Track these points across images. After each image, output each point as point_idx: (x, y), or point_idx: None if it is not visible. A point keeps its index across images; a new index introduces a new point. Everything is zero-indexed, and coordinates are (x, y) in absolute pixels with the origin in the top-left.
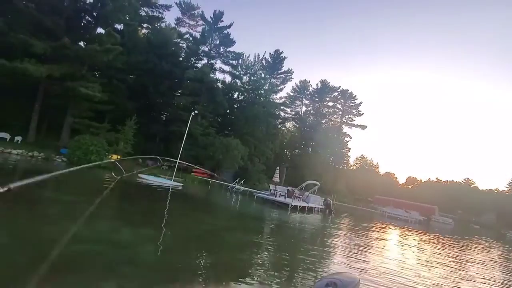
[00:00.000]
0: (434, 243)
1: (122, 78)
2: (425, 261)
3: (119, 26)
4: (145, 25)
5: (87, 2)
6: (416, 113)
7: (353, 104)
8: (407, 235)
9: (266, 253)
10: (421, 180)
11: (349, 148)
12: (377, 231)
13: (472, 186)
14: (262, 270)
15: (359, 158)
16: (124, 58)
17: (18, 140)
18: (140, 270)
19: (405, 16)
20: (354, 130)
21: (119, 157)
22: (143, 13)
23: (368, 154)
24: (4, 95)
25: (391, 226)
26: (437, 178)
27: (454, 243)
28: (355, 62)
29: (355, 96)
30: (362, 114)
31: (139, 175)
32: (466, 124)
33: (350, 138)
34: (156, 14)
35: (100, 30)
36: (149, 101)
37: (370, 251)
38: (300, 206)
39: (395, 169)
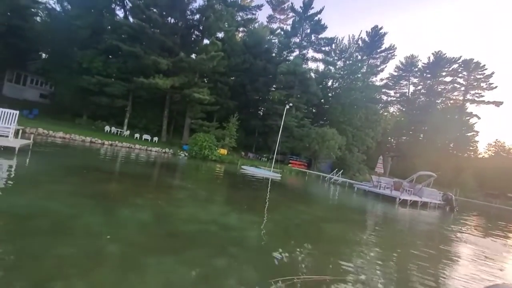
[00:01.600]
0: None
1: (225, 80)
2: None
3: (220, 34)
4: (241, 28)
5: (195, 18)
6: None
7: (480, 76)
8: None
9: (373, 249)
10: None
11: (477, 132)
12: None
13: None
14: (367, 267)
15: (493, 144)
16: (225, 62)
17: (155, 140)
18: (246, 251)
19: None
20: (484, 108)
21: (226, 150)
22: (239, 18)
23: (506, 138)
24: (145, 106)
25: None
26: None
27: None
28: (483, 19)
29: (484, 65)
30: (495, 87)
31: (242, 166)
32: None
33: (478, 118)
34: (249, 16)
35: (205, 41)
36: (247, 98)
37: None
38: (410, 200)
39: None
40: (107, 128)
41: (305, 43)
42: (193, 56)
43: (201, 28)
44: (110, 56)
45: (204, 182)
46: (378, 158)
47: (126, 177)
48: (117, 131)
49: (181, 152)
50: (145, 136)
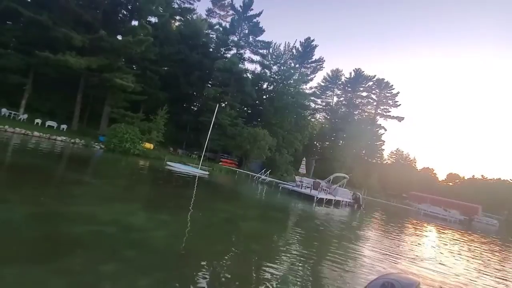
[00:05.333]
0: (478, 243)
1: (155, 69)
2: (466, 261)
3: (153, 19)
4: (177, 17)
5: None
6: (460, 103)
7: (389, 94)
8: (446, 234)
9: (284, 246)
10: (463, 177)
11: (383, 141)
12: (411, 229)
13: None
14: (279, 264)
15: (394, 152)
16: (157, 50)
17: (63, 128)
18: (144, 254)
19: None
20: (390, 122)
21: (152, 145)
22: (176, 6)
23: (404, 148)
24: (51, 86)
25: (426, 224)
26: (482, 176)
27: (497, 244)
28: (393, 48)
29: (392, 85)
30: (399, 105)
31: (168, 162)
32: None
33: (385, 130)
34: (187, 5)
35: (135, 23)
36: (180, 91)
37: (405, 250)
38: (326, 199)
39: (435, 164)
40: None
41: (242, 43)
42: (119, 37)
43: (129, 7)
44: (7, 22)
45: (116, 177)
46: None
47: (4, 169)
48: (11, 113)
49: (96, 143)
50: (50, 123)
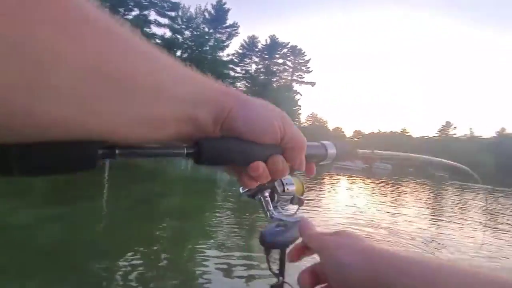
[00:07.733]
0: (375, 185)
1: None
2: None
3: None
4: None
5: None
6: (363, 66)
7: (302, 61)
8: (347, 180)
9: (208, 220)
10: (365, 132)
11: (300, 106)
12: (321, 180)
13: (406, 134)
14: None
15: (310, 116)
16: None
17: None
18: (26, 256)
19: None
20: (304, 87)
21: None
22: None
23: (318, 111)
24: None
25: (334, 175)
26: (379, 130)
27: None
28: (306, 14)
29: (304, 52)
30: (311, 71)
31: None
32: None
33: (301, 95)
34: None
35: None
36: None
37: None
38: None
39: (343, 123)
40: None
41: (145, 3)
42: None
43: None
44: None
45: None
46: None
47: None
48: None
49: None
50: None
